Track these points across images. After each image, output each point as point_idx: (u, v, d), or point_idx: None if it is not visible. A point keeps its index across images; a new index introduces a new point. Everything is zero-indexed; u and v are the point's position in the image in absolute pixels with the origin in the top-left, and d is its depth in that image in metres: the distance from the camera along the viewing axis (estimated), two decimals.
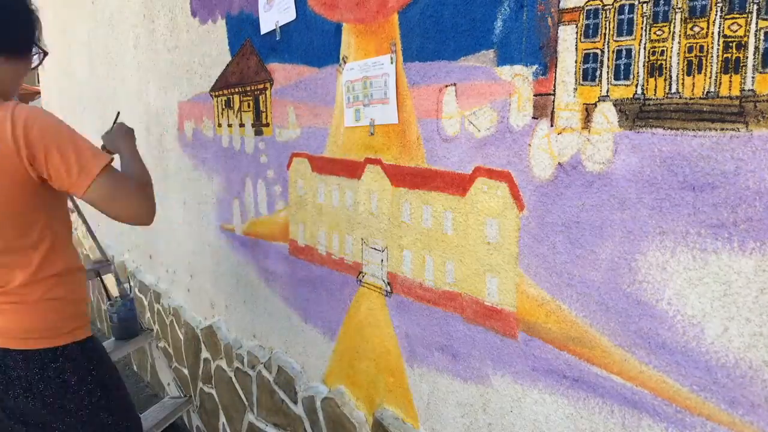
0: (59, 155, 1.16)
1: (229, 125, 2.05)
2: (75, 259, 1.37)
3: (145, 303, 3.24)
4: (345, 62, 1.43)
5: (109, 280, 2.18)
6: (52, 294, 1.28)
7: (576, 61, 0.89)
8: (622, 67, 0.83)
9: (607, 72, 0.85)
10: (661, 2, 0.77)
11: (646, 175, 0.82)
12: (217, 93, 2.10)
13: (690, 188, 0.77)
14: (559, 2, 0.90)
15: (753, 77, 0.69)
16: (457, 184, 1.15)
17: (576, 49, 0.89)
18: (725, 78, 0.72)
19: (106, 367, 1.40)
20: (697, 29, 0.74)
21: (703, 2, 0.73)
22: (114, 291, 2.16)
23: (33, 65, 1.38)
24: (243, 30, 1.86)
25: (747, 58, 0.70)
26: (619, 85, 0.84)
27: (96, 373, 1.35)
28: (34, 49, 1.35)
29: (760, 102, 0.69)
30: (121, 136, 1.54)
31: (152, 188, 1.37)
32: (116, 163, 1.30)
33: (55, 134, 1.16)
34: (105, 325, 3.98)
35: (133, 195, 1.25)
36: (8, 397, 1.28)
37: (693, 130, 0.76)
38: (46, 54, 1.40)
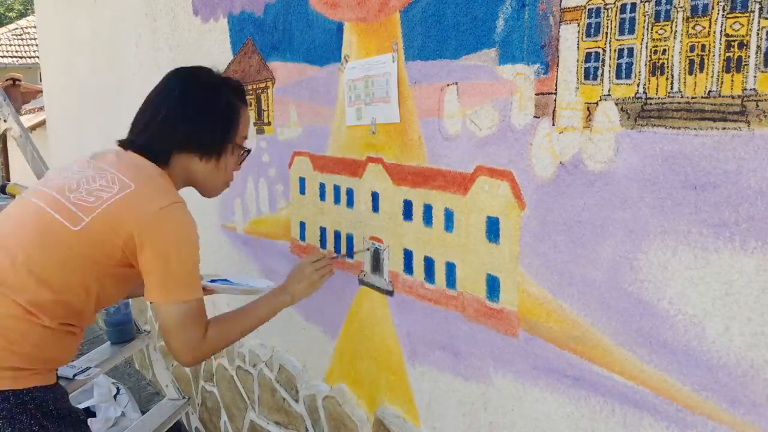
0: (161, 263, 1.12)
1: None
2: None
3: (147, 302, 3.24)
4: (347, 61, 1.43)
5: None
6: None
7: (578, 60, 0.89)
8: (624, 66, 0.83)
9: (609, 71, 0.85)
10: (663, 1, 0.77)
11: (648, 174, 0.82)
12: None
13: (692, 187, 0.77)
14: (560, 1, 0.90)
15: (755, 76, 0.69)
16: (459, 183, 1.15)
17: (578, 48, 0.89)
18: (727, 77, 0.72)
19: None
20: (699, 28, 0.74)
21: (705, 1, 0.73)
22: None
23: (236, 165, 1.31)
24: (245, 29, 1.87)
25: (749, 57, 0.69)
26: (621, 84, 0.84)
27: None
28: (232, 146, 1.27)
29: (762, 101, 0.69)
30: (298, 281, 1.34)
31: (225, 345, 1.24)
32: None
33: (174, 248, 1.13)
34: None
35: (185, 339, 1.15)
36: None
37: (695, 129, 0.76)
38: (248, 152, 1.34)
